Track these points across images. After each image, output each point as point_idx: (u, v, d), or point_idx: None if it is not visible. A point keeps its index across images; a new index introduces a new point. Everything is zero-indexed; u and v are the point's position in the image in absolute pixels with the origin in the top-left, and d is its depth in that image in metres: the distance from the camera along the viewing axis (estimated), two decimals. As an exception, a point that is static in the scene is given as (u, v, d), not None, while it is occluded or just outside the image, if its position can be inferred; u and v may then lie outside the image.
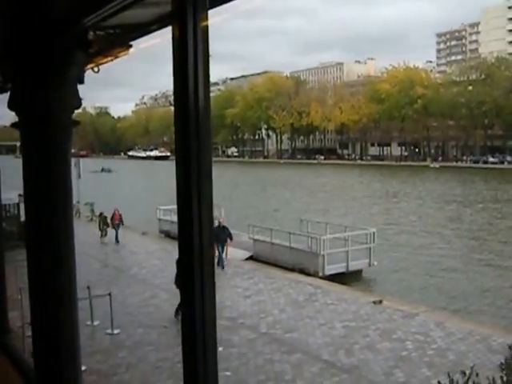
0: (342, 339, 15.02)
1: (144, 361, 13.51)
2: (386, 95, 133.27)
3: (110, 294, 15.33)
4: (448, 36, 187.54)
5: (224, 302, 18.02)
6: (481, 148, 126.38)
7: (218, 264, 23.08)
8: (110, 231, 30.61)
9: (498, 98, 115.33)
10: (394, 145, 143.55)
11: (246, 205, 51.34)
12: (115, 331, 15.42)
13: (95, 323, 15.79)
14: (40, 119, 2.52)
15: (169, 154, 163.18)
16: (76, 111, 2.70)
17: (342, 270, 24.50)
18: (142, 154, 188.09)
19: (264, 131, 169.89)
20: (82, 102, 2.70)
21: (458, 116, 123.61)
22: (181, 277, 1.95)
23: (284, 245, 26.10)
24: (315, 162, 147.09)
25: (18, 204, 26.77)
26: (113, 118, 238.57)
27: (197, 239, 1.78)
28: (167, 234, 33.12)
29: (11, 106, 2.60)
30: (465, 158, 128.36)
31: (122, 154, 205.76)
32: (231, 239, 24.39)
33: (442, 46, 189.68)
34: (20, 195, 23.38)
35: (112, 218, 30.44)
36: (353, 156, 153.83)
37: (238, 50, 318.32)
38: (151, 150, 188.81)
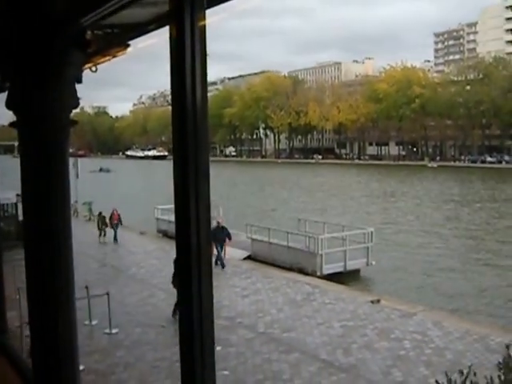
0: (340, 338, 15.03)
1: (142, 360, 13.52)
2: (384, 95, 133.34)
3: (108, 294, 15.33)
4: (446, 35, 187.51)
5: (222, 302, 18.03)
6: (478, 147, 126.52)
7: (217, 263, 23.10)
8: (109, 231, 30.60)
9: (496, 97, 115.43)
10: (391, 144, 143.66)
11: (243, 204, 51.36)
12: (113, 331, 15.43)
13: (93, 323, 15.79)
14: (38, 119, 2.52)
15: (167, 153, 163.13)
16: (74, 111, 2.70)
17: (340, 269, 24.52)
18: (140, 154, 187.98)
19: (262, 131, 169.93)
20: (80, 101, 2.70)
21: (456, 115, 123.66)
22: (178, 276, 1.96)
23: (282, 244, 26.11)
24: (313, 161, 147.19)
25: (16, 204, 26.81)
26: (111, 117, 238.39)
27: (194, 238, 1.79)
28: (165, 234, 33.10)
29: (9, 105, 2.60)
30: (462, 157, 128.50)
31: (120, 153, 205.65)
32: (230, 239, 24.40)
33: (439, 45, 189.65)
34: (18, 195, 23.41)
35: (110, 218, 30.44)
36: (351, 155, 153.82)
37: (235, 49, 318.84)
38: (149, 150, 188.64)
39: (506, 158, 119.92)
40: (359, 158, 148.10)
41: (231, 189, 64.96)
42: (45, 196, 2.56)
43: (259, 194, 64.50)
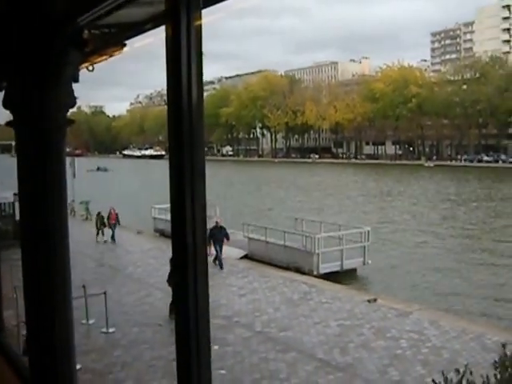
0: (337, 338, 15.05)
1: (139, 359, 13.53)
2: (381, 94, 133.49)
3: (105, 293, 15.34)
4: (442, 35, 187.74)
5: (219, 301, 18.03)
6: (475, 147, 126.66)
7: (216, 263, 23.11)
8: (106, 230, 30.49)
9: (493, 96, 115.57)
10: (388, 144, 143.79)
11: (240, 203, 51.35)
12: (110, 330, 15.42)
13: (90, 322, 15.79)
14: (35, 118, 2.52)
15: (164, 152, 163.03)
16: (71, 110, 2.70)
17: (337, 268, 24.53)
18: (137, 153, 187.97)
19: (259, 130, 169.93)
20: (77, 101, 2.70)
21: (453, 115, 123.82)
22: (174, 275, 1.96)
23: (279, 243, 26.13)
24: (310, 160, 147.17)
25: (13, 203, 26.80)
26: (108, 116, 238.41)
27: (190, 238, 1.79)
28: (162, 233, 33.05)
29: (6, 104, 2.61)
30: (459, 156, 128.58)
31: (118, 153, 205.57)
32: (228, 239, 24.33)
33: (436, 44, 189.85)
34: (15, 194, 23.38)
35: (108, 218, 30.32)
36: (347, 155, 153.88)
37: (233, 49, 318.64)
38: (146, 149, 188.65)
39: (503, 157, 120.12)
40: (356, 158, 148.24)
41: (228, 188, 64.96)
42: (41, 195, 2.57)
43: (256, 194, 64.50)
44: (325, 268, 24.06)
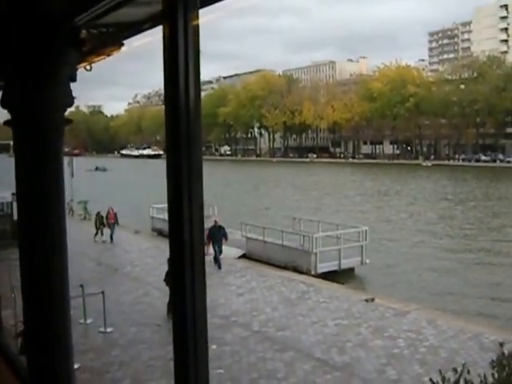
0: (335, 337, 15.06)
1: (137, 359, 13.52)
2: (378, 94, 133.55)
3: (103, 292, 15.34)
4: (440, 35, 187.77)
5: (217, 300, 18.02)
6: (473, 146, 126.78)
7: (214, 262, 23.10)
8: (106, 230, 30.39)
9: (490, 96, 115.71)
10: (386, 143, 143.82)
11: (238, 203, 51.35)
12: (108, 329, 15.42)
13: (88, 321, 15.79)
14: (32, 117, 2.53)
15: (161, 152, 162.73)
16: (69, 110, 2.71)
17: (335, 268, 24.54)
18: (135, 153, 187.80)
19: (256, 130, 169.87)
20: (76, 100, 2.71)
21: (450, 114, 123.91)
22: (171, 275, 1.96)
23: (276, 243, 26.13)
24: (308, 160, 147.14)
25: (11, 203, 26.79)
26: (106, 116, 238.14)
27: (187, 238, 1.79)
28: (160, 232, 33.04)
29: (3, 104, 2.61)
30: (457, 156, 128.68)
31: (116, 152, 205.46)
32: (226, 239, 24.28)
33: (434, 44, 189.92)
34: (13, 194, 23.37)
35: (106, 217, 30.18)
36: (345, 154, 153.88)
37: (231, 48, 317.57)
38: (144, 149, 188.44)
39: (500, 156, 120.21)
40: (353, 157, 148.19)
41: (226, 187, 64.96)
42: (39, 195, 2.57)
43: (254, 193, 64.51)
44: (322, 267, 24.07)
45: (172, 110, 1.79)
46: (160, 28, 1.85)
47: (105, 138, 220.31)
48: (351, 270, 25.51)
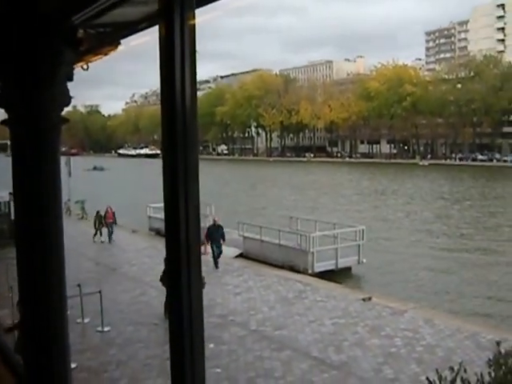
0: (332, 336, 15.07)
1: (134, 358, 13.52)
2: (375, 93, 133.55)
3: (100, 292, 15.34)
4: (437, 34, 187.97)
5: (214, 300, 18.06)
6: (469, 146, 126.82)
7: (214, 261, 23.14)
8: (105, 230, 30.30)
9: (487, 95, 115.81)
10: (383, 142, 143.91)
11: (235, 202, 51.36)
12: (105, 328, 15.42)
13: (86, 321, 15.81)
14: (29, 117, 2.53)
15: (159, 151, 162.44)
16: (67, 109, 2.71)
17: (332, 267, 24.55)
18: (133, 152, 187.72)
19: (253, 129, 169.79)
20: (73, 100, 2.71)
21: (447, 114, 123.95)
22: (168, 275, 1.97)
23: (274, 242, 26.13)
24: (305, 159, 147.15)
25: (9, 202, 26.82)
26: (103, 116, 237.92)
27: (184, 238, 1.80)
28: (157, 232, 33.03)
29: (1, 103, 2.61)
30: (453, 155, 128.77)
31: (113, 152, 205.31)
32: (224, 240, 24.22)
33: (431, 43, 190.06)
34: (11, 193, 23.35)
35: (104, 217, 30.07)
36: (342, 153, 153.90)
37: (229, 48, 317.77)
38: (141, 148, 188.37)
39: (497, 156, 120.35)
40: (350, 157, 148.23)
41: (223, 187, 64.94)
42: (36, 195, 2.57)
43: (251, 192, 64.50)
44: (319, 266, 24.08)
45: (168, 111, 1.80)
46: (157, 27, 1.86)
47: (102, 138, 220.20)
48: (348, 269, 25.52)
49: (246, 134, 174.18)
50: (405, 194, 61.01)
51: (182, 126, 1.77)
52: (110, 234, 30.03)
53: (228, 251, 26.43)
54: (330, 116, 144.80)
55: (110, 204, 31.40)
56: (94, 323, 15.64)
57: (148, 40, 2.67)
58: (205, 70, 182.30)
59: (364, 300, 18.35)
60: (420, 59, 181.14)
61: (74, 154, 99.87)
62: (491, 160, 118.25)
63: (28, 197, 2.60)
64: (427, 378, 7.65)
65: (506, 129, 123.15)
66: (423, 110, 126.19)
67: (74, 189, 38.36)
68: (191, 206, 1.81)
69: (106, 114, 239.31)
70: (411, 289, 23.43)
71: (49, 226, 2.60)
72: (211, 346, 13.35)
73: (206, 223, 24.24)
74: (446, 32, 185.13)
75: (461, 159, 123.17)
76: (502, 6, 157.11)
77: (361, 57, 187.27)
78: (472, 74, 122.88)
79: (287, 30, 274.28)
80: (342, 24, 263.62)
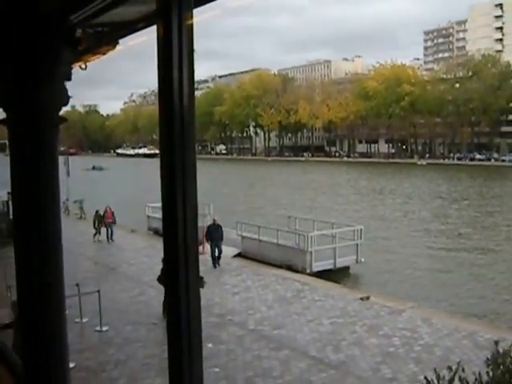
0: (330, 335, 15.07)
1: (133, 358, 13.51)
2: (374, 92, 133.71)
3: (98, 291, 15.33)
4: (435, 33, 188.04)
5: (213, 299, 18.04)
6: (467, 145, 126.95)
7: (213, 261, 23.13)
8: (104, 229, 30.25)
9: (485, 95, 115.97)
10: (381, 142, 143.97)
11: (233, 202, 51.34)
12: (104, 328, 15.41)
13: (84, 320, 15.79)
14: (28, 116, 2.53)
15: (157, 151, 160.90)
16: (65, 109, 2.71)
17: (330, 266, 24.54)
18: (131, 152, 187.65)
19: (252, 129, 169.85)
20: (71, 100, 2.71)
21: (445, 113, 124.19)
22: (166, 275, 1.97)
23: (272, 242, 26.11)
24: (303, 159, 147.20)
25: (7, 201, 26.82)
26: (102, 115, 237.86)
27: (181, 238, 1.80)
28: (156, 231, 33.00)
29: (-1, 102, 2.61)
30: (451, 155, 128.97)
31: (112, 151, 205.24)
32: (222, 239, 24.19)
33: (429, 43, 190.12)
34: (9, 193, 23.36)
35: (104, 216, 30.01)
36: (340, 153, 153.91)
37: (227, 47, 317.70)
38: (140, 148, 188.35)
39: (495, 155, 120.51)
40: (349, 156, 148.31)
41: (221, 186, 64.94)
42: (34, 194, 2.57)
43: (249, 192, 64.48)
44: (318, 266, 24.07)
45: (166, 112, 1.80)
46: (155, 27, 1.86)
47: (101, 137, 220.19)
48: (346, 268, 25.52)
49: (245, 134, 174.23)
50: (403, 194, 61.05)
51: (179, 126, 1.77)
52: (110, 233, 29.99)
53: (226, 251, 26.39)
54: (328, 115, 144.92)
55: (109, 203, 31.35)
56: (93, 323, 15.63)
57: (146, 40, 2.67)
58: (203, 69, 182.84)
59: (362, 299, 18.35)
60: (418, 59, 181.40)
61: (72, 154, 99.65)
62: (489, 159, 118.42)
63: (26, 196, 2.60)
64: (425, 378, 7.65)
65: (504, 128, 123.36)
66: (421, 110, 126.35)
67: (72, 188, 38.35)
68: (189, 206, 1.81)
69: (105, 114, 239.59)
70: (409, 288, 23.43)
71: (47, 225, 2.60)
72: (209, 345, 13.33)
73: (204, 223, 24.26)
74: (444, 31, 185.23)
75: (459, 159, 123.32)
76: (500, 5, 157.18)
77: (359, 56, 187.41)
78: (470, 73, 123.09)
79: (285, 29, 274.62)
80: (341, 24, 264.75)
